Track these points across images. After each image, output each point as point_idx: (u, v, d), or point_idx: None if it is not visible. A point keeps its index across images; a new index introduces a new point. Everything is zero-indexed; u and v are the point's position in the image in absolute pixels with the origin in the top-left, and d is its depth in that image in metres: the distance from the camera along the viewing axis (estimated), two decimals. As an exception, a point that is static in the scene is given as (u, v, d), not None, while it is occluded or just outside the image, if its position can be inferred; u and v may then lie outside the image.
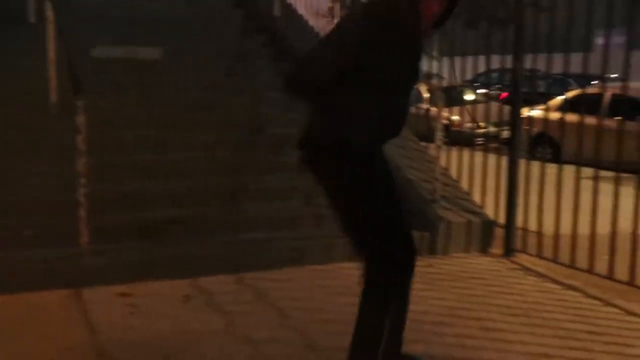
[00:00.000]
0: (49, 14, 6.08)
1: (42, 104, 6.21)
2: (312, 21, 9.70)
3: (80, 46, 6.71)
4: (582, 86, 4.87)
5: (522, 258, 5.65)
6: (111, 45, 7.70)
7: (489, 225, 5.94)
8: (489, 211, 6.06)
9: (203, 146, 6.50)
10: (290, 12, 9.61)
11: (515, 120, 5.63)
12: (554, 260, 5.35)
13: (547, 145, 7.35)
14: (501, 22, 5.94)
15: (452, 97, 10.70)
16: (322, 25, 9.37)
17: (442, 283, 4.88)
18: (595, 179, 4.98)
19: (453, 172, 6.64)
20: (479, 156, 6.32)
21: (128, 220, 5.35)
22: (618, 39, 4.90)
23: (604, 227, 4.95)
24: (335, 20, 7.76)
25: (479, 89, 15.49)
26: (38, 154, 5.77)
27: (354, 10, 2.97)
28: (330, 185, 2.71)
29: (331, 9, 11.02)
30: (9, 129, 5.99)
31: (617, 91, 5.74)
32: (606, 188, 4.93)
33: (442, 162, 6.25)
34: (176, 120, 6.71)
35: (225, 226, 5.58)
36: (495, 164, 5.96)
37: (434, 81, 7.26)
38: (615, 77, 7.43)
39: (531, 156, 6.14)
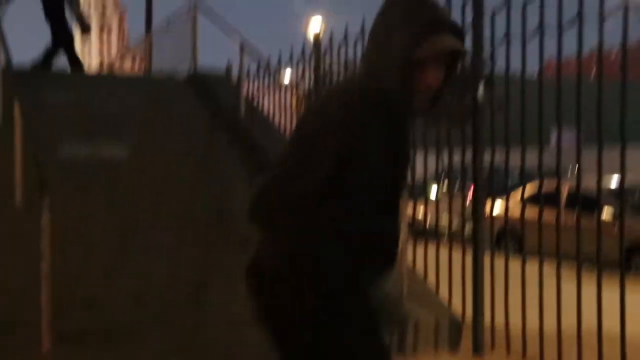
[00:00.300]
0: (17, 114, 6.11)
1: (8, 203, 6.16)
2: (277, 117, 9.87)
3: (47, 145, 6.72)
4: (540, 180, 5.06)
5: (491, 355, 5.62)
6: (78, 145, 7.75)
7: (456, 323, 5.92)
8: (457, 307, 6.05)
9: (167, 245, 6.44)
10: (255, 111, 9.80)
11: (477, 214, 5.71)
12: (523, 357, 5.33)
13: (510, 238, 7.50)
14: (460, 118, 6.13)
15: (415, 192, 10.82)
16: (288, 121, 9.54)
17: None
18: (558, 272, 5.04)
19: (419, 268, 6.66)
20: (444, 251, 6.36)
21: (92, 324, 5.22)
22: (570, 135, 5.10)
23: (570, 321, 4.97)
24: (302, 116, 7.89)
25: (441, 183, 15.72)
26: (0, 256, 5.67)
27: (324, 101, 2.27)
28: (283, 335, 2.11)
29: (297, 106, 11.28)
30: None
31: (574, 185, 5.97)
32: (571, 281, 4.99)
33: (408, 257, 6.28)
34: (141, 220, 6.68)
35: (189, 325, 5.48)
36: (460, 259, 6.00)
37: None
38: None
39: (496, 249, 6.21)
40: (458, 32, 2.12)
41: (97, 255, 6.07)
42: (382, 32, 2.09)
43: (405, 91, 2.05)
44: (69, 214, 5.95)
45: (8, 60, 7.09)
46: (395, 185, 2.12)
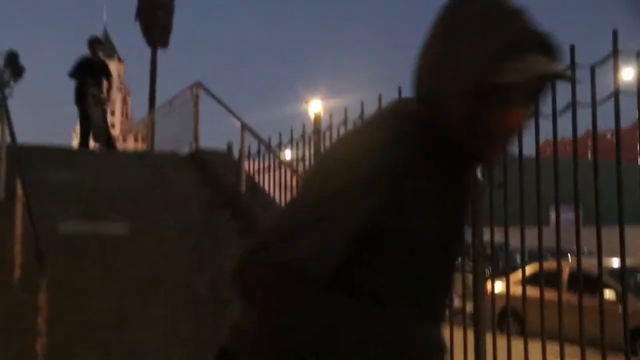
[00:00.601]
0: (19, 191, 6.17)
1: (6, 280, 6.16)
2: (278, 195, 9.95)
3: (47, 222, 6.75)
4: (540, 260, 5.04)
5: None
6: (78, 220, 7.79)
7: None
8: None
9: (165, 322, 6.42)
10: (255, 188, 9.88)
11: (477, 294, 5.69)
12: None
13: (512, 318, 7.45)
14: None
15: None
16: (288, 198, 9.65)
17: None
18: (562, 353, 4.97)
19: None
20: (445, 331, 6.26)
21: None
22: (569, 215, 5.11)
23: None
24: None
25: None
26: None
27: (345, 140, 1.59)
28: None
29: (297, 184, 11.38)
30: None
31: (574, 266, 5.99)
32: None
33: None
34: (139, 295, 6.69)
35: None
36: (461, 339, 5.92)
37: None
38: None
39: (498, 329, 6.14)
40: (552, 51, 1.43)
41: (94, 330, 6.03)
42: (443, 45, 1.45)
43: (470, 129, 1.42)
44: (66, 290, 5.94)
45: (13, 138, 7.20)
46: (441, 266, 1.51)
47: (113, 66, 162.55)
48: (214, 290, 7.16)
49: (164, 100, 14.29)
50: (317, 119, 8.09)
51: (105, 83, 12.09)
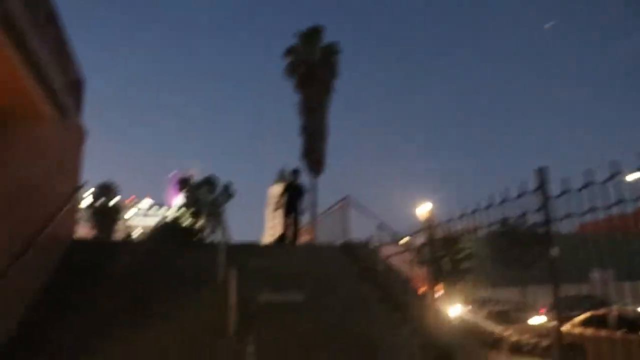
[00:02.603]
0: (231, 275, 6.58)
1: (224, 335, 6.43)
2: (402, 269, 10.09)
3: (251, 294, 7.18)
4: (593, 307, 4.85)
5: None
6: (270, 293, 8.10)
7: None
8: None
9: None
10: (389, 266, 9.88)
11: (554, 334, 5.55)
12: None
13: (577, 352, 7.09)
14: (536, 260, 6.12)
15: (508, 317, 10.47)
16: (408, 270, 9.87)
17: None
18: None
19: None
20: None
21: None
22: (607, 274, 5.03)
23: None
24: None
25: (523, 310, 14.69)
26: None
27: None
28: None
29: (413, 260, 11.48)
30: (198, 348, 6.26)
31: (620, 312, 5.68)
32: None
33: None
34: (313, 345, 6.81)
35: None
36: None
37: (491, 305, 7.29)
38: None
39: None
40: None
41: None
42: None
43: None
44: (266, 340, 6.18)
45: (226, 239, 7.90)
46: None
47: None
48: (362, 340, 7.24)
49: (324, 207, 14.79)
50: (428, 217, 8.26)
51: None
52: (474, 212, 9.11)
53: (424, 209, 14.38)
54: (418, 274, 10.05)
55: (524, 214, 6.24)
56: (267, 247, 11.62)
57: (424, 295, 8.63)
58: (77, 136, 9.33)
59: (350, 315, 7.93)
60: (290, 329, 7.17)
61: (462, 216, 7.34)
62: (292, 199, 12.26)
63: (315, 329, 7.25)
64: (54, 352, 6.10)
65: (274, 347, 6.56)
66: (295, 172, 12.85)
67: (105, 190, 33.67)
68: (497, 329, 6.09)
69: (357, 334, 7.34)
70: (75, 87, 8.63)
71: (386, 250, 10.54)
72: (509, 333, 11.10)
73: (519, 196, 6.56)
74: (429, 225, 8.35)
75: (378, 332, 7.42)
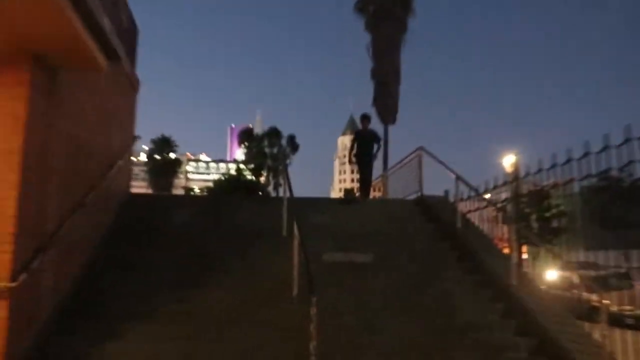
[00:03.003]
0: (295, 230, 6.44)
1: (288, 295, 6.41)
2: (482, 226, 9.54)
3: (314, 253, 6.93)
4: None
5: None
6: (335, 252, 7.96)
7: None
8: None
9: (397, 325, 6.32)
10: (468, 223, 9.52)
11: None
12: None
13: None
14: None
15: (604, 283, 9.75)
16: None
17: None
18: None
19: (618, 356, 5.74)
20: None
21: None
22: None
23: None
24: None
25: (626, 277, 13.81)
26: (275, 333, 5.86)
27: None
28: None
29: (495, 217, 10.88)
30: (261, 308, 6.28)
31: None
32: None
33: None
34: (383, 307, 6.66)
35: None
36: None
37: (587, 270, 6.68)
38: None
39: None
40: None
41: (347, 336, 6.10)
42: None
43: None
44: (328, 304, 6.04)
45: (290, 194, 7.65)
46: None
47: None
48: (437, 304, 6.98)
49: (395, 160, 14.32)
50: (513, 169, 7.62)
51: (375, 147, 12.07)
52: (567, 162, 8.28)
53: (508, 161, 13.56)
54: (501, 234, 9.47)
55: (629, 164, 5.49)
56: (335, 203, 11.28)
57: (508, 256, 8.03)
58: (131, 86, 9.18)
59: (425, 277, 7.70)
60: (357, 290, 7.07)
61: (552, 167, 6.56)
62: (363, 149, 11.76)
63: (384, 292, 7.11)
64: (111, 311, 6.17)
65: (339, 309, 6.50)
66: (365, 118, 12.22)
67: (162, 145, 34.21)
68: (593, 297, 5.49)
69: (433, 298, 7.13)
70: (129, 35, 8.39)
71: (465, 207, 10.00)
72: (608, 302, 10.34)
73: (625, 142, 5.70)
74: (514, 179, 7.65)
75: (457, 296, 7.01)
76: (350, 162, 11.97)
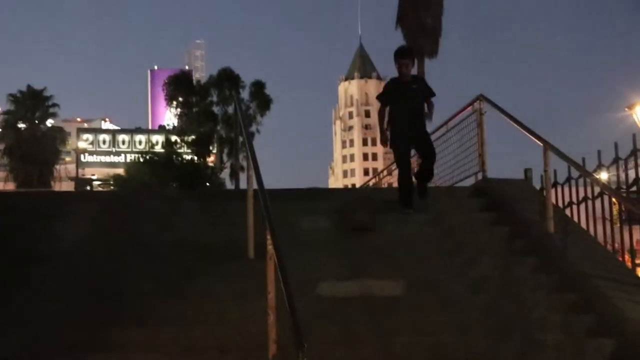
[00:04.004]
0: (269, 246, 6.35)
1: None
2: (600, 233, 9.68)
3: (303, 282, 7.06)
4: None
5: None
6: (340, 280, 8.02)
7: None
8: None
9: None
10: (569, 225, 9.60)
11: None
12: None
13: None
14: None
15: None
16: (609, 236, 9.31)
17: None
18: None
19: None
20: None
21: None
22: None
23: None
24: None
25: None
26: None
27: None
28: None
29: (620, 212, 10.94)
30: None
31: None
32: None
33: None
34: None
35: None
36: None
37: None
38: None
39: None
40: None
41: None
42: None
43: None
44: None
45: (259, 183, 7.55)
46: None
47: (371, 86, 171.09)
48: None
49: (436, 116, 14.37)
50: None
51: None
52: None
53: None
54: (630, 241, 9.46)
55: None
56: (335, 194, 11.24)
57: None
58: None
59: (494, 322, 7.72)
60: (378, 346, 7.16)
61: None
62: (406, 113, 10.60)
63: (422, 351, 7.17)
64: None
65: None
66: (405, 55, 10.90)
67: (30, 103, 33.20)
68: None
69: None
70: None
71: (561, 195, 10.27)
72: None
73: None
74: None
75: None
76: (384, 141, 10.94)
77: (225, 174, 34.49)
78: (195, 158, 33.25)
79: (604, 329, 7.53)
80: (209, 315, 7.42)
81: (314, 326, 6.17)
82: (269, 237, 6.39)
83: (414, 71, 11.48)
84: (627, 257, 9.75)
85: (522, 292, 8.23)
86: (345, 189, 51.03)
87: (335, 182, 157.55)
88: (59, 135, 33.05)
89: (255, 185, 7.81)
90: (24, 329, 7.10)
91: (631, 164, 9.25)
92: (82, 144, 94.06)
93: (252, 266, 7.50)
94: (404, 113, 10.50)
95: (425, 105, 10.77)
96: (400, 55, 10.69)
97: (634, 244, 9.74)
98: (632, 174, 9.28)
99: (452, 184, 12.36)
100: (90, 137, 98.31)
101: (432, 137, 14.52)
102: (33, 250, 8.58)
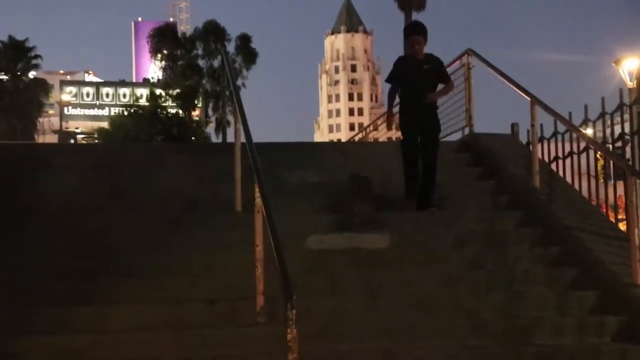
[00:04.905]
0: (258, 199, 6.41)
1: (249, 310, 6.49)
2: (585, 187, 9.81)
3: (291, 235, 7.07)
4: None
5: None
6: (329, 233, 8.07)
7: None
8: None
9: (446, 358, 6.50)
10: (554, 180, 9.65)
11: None
12: None
13: None
14: None
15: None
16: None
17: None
18: None
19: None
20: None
21: None
22: None
23: None
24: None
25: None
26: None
27: None
28: None
29: (603, 168, 10.98)
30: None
31: None
32: None
33: None
34: (410, 328, 6.77)
35: None
36: None
37: None
38: None
39: None
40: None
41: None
42: None
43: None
44: (320, 323, 6.23)
45: (248, 136, 7.56)
46: None
47: (358, 40, 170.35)
48: (505, 320, 7.10)
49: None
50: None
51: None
52: None
53: (627, 69, 13.58)
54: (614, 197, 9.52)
55: None
56: (322, 148, 11.27)
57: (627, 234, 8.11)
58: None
59: (477, 274, 7.83)
60: (363, 299, 7.24)
61: None
62: (418, 97, 9.43)
63: (407, 302, 7.27)
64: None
65: (333, 332, 6.62)
66: (416, 30, 9.73)
67: (12, 55, 32.81)
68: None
69: (491, 310, 7.29)
70: None
71: (547, 152, 10.36)
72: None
73: None
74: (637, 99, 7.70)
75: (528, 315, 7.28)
76: (388, 125, 10.35)
77: (210, 129, 34.39)
78: (180, 112, 33.08)
79: (587, 281, 7.63)
80: (196, 267, 7.47)
81: (301, 279, 6.20)
82: (257, 190, 6.44)
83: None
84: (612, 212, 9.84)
85: (506, 245, 8.31)
86: (332, 143, 50.90)
87: (321, 137, 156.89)
88: (42, 87, 32.67)
89: (243, 139, 7.79)
90: (9, 282, 7.07)
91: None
92: (65, 97, 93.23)
93: (240, 219, 7.64)
94: (413, 96, 9.43)
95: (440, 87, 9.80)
96: (412, 31, 9.75)
97: (617, 199, 9.82)
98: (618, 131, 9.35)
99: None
100: (73, 89, 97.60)
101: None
102: (18, 203, 8.56)
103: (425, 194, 9.13)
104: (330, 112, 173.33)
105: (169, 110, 32.97)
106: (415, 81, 9.39)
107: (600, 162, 10.19)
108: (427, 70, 9.44)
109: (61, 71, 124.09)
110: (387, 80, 9.96)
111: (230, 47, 35.61)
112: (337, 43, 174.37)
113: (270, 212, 6.11)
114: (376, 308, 7.08)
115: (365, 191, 9.22)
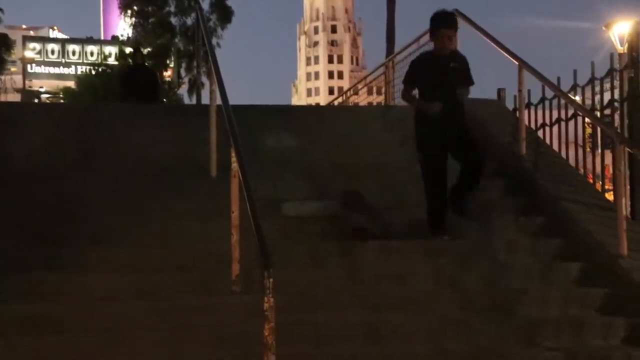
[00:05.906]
0: (234, 164, 6.44)
1: (224, 279, 6.49)
2: (572, 155, 9.85)
3: (268, 201, 7.20)
4: None
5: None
6: (306, 200, 8.12)
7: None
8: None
9: (426, 333, 6.52)
10: (540, 147, 9.70)
11: None
12: None
13: None
14: None
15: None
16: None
17: None
18: None
19: None
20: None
21: None
22: None
23: None
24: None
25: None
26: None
27: None
28: None
29: (590, 136, 11.05)
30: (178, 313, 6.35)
31: None
32: None
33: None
34: (390, 299, 6.81)
35: None
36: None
37: None
38: None
39: None
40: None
41: (338, 346, 6.24)
42: None
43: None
44: (297, 293, 6.27)
45: (224, 98, 7.56)
46: None
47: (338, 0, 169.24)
48: (489, 291, 7.16)
49: (408, 38, 14.24)
50: (633, 46, 7.63)
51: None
52: None
53: (619, 33, 13.60)
54: (600, 164, 9.58)
55: None
56: (300, 112, 11.29)
57: (614, 204, 8.20)
58: None
59: (453, 242, 7.89)
60: (340, 268, 7.27)
61: None
62: (446, 96, 8.11)
63: (382, 273, 7.28)
64: None
65: (313, 299, 6.70)
66: (450, 21, 8.43)
67: None
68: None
69: (477, 276, 7.37)
70: None
71: (534, 117, 10.39)
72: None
73: None
74: (631, 64, 7.78)
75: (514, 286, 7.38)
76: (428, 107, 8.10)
77: (182, 90, 34.19)
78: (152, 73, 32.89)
79: (573, 252, 7.71)
80: (169, 234, 7.44)
81: (279, 246, 6.25)
82: (233, 154, 6.45)
83: None
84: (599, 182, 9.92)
85: (490, 215, 8.36)
86: (310, 106, 50.88)
87: (299, 100, 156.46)
88: (3, 42, 32.11)
89: (218, 101, 7.78)
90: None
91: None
92: (28, 54, 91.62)
93: (215, 185, 7.64)
94: (439, 100, 8.05)
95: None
96: (446, 23, 8.34)
97: (604, 169, 9.89)
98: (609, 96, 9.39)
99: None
100: (37, 46, 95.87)
101: (402, 55, 14.44)
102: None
103: (457, 205, 8.08)
104: (308, 75, 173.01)
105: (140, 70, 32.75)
106: (445, 80, 8.14)
107: (589, 130, 10.25)
108: (454, 69, 8.24)
109: (24, 26, 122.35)
110: (406, 82, 8.65)
111: (205, 4, 35.34)
112: (316, 2, 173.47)
113: (247, 178, 6.13)
114: (355, 279, 7.11)
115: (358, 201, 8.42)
